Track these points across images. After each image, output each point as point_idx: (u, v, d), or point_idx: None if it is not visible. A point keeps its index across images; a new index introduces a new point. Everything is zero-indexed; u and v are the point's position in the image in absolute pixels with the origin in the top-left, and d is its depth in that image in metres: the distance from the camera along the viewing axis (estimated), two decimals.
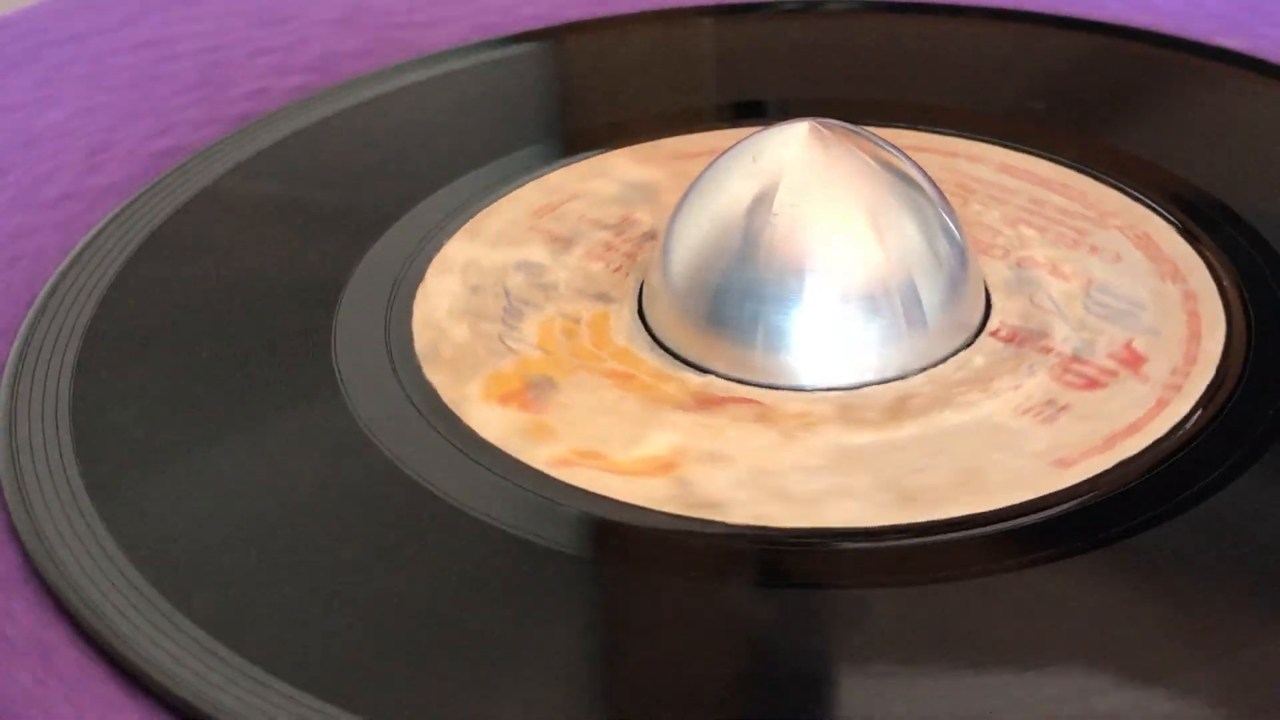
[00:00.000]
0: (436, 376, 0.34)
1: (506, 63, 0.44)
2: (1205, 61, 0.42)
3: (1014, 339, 0.34)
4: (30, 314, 0.36)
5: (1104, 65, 0.43)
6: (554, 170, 0.39)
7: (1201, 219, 0.37)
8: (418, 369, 0.34)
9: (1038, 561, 0.30)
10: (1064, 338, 0.34)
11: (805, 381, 0.34)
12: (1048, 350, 0.34)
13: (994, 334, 0.35)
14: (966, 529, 0.31)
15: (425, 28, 0.45)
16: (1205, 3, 0.45)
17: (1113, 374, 0.34)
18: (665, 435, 0.32)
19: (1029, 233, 0.37)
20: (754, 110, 0.42)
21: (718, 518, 0.31)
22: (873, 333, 0.34)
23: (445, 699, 0.28)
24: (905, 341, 0.34)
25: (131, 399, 0.34)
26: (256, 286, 0.36)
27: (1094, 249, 0.36)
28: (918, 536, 0.31)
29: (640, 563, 0.31)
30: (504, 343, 0.34)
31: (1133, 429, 0.32)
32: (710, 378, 0.34)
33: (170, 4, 0.46)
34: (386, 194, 0.39)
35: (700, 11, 0.45)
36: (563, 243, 0.37)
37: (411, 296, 0.36)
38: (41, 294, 0.36)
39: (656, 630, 0.30)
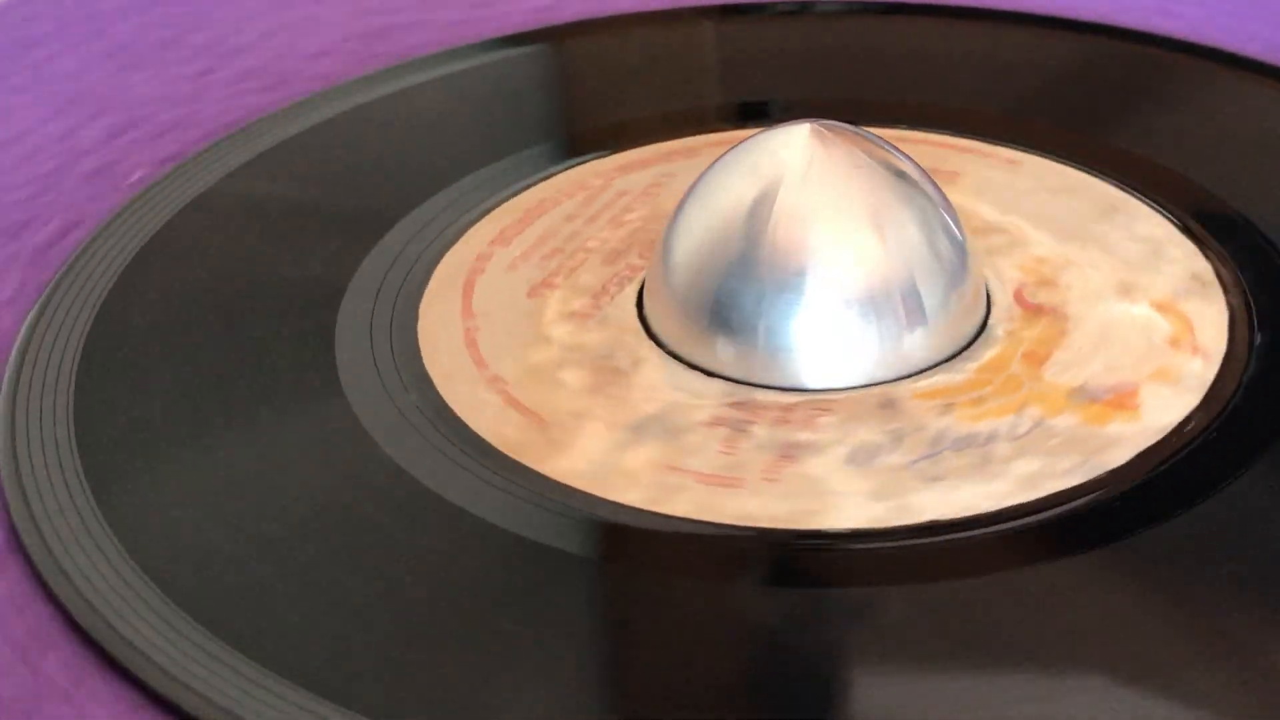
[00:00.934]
0: (439, 377, 0.34)
1: (507, 63, 0.44)
2: (1205, 62, 0.43)
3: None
4: (32, 314, 0.36)
5: (1104, 65, 0.43)
6: (554, 173, 0.39)
7: (1203, 219, 0.37)
8: (421, 369, 0.34)
9: (1039, 561, 0.30)
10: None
11: (807, 382, 0.34)
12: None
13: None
14: (967, 529, 0.31)
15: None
16: (1207, 4, 0.45)
17: None
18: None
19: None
20: (755, 111, 0.42)
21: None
22: (872, 333, 0.34)
23: (448, 699, 0.28)
24: (908, 341, 0.34)
25: (133, 399, 0.34)
26: (258, 287, 0.36)
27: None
28: (920, 537, 0.31)
29: (645, 564, 0.31)
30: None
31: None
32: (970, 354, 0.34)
33: None
34: (388, 195, 0.39)
35: (702, 12, 0.45)
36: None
37: (413, 297, 0.36)
38: (43, 294, 0.36)
39: (661, 632, 0.30)
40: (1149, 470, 0.32)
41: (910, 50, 0.44)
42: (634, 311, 0.35)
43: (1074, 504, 0.31)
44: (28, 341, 0.35)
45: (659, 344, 0.35)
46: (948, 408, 0.33)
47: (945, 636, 0.29)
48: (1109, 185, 0.38)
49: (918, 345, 0.34)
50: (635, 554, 0.31)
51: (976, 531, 0.31)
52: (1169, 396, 0.33)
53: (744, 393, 0.33)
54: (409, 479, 0.32)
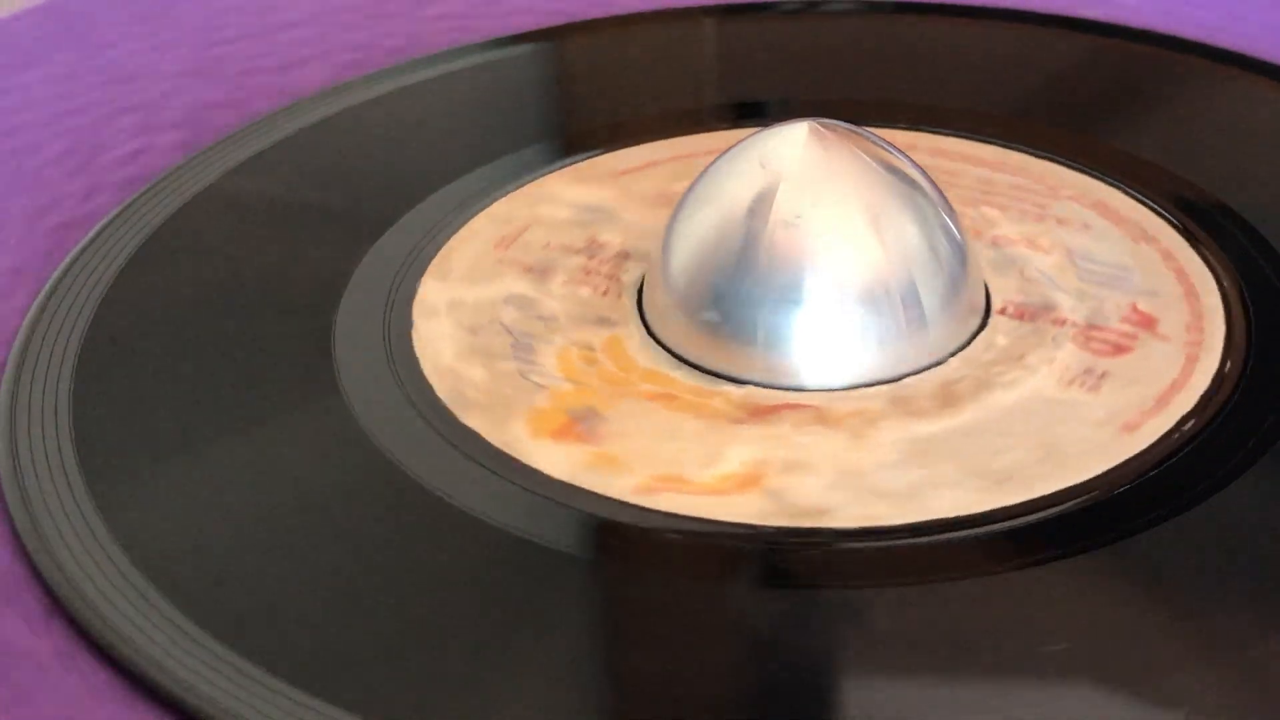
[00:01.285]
0: (436, 377, 0.34)
1: (506, 63, 0.44)
2: (1205, 61, 0.43)
3: (1022, 315, 0.35)
4: (30, 314, 0.36)
5: (1104, 65, 0.43)
6: (553, 171, 0.39)
7: (1201, 219, 0.37)
8: (417, 369, 0.34)
9: (1038, 562, 0.30)
10: (1070, 308, 0.35)
11: (806, 381, 0.34)
12: (1061, 322, 0.34)
13: (1001, 312, 0.35)
14: (966, 528, 0.31)
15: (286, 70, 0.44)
16: (1205, 3, 0.45)
17: (1133, 336, 0.34)
18: (739, 449, 0.32)
19: (1026, 228, 0.37)
20: (754, 111, 0.42)
21: (823, 524, 0.31)
22: (871, 332, 0.34)
23: (447, 700, 0.28)
24: (906, 341, 0.34)
25: (131, 399, 0.34)
26: (257, 287, 0.36)
27: (1068, 223, 0.37)
28: (918, 536, 0.31)
29: (642, 564, 0.31)
30: (526, 378, 0.34)
31: (1176, 386, 0.33)
32: (750, 388, 0.34)
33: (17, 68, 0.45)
34: (386, 194, 0.39)
35: (701, 11, 0.45)
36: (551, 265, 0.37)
37: (411, 297, 0.36)
38: (42, 294, 0.36)
39: (658, 632, 0.30)
40: (1148, 470, 0.32)
41: (910, 50, 0.44)
42: (635, 311, 0.35)
43: (1073, 504, 0.31)
44: (28, 341, 0.35)
45: (659, 342, 0.35)
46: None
47: (942, 637, 0.29)
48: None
49: (917, 344, 0.34)
50: (634, 554, 0.31)
51: (975, 532, 0.31)
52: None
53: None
54: (408, 479, 0.32)
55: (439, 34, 0.45)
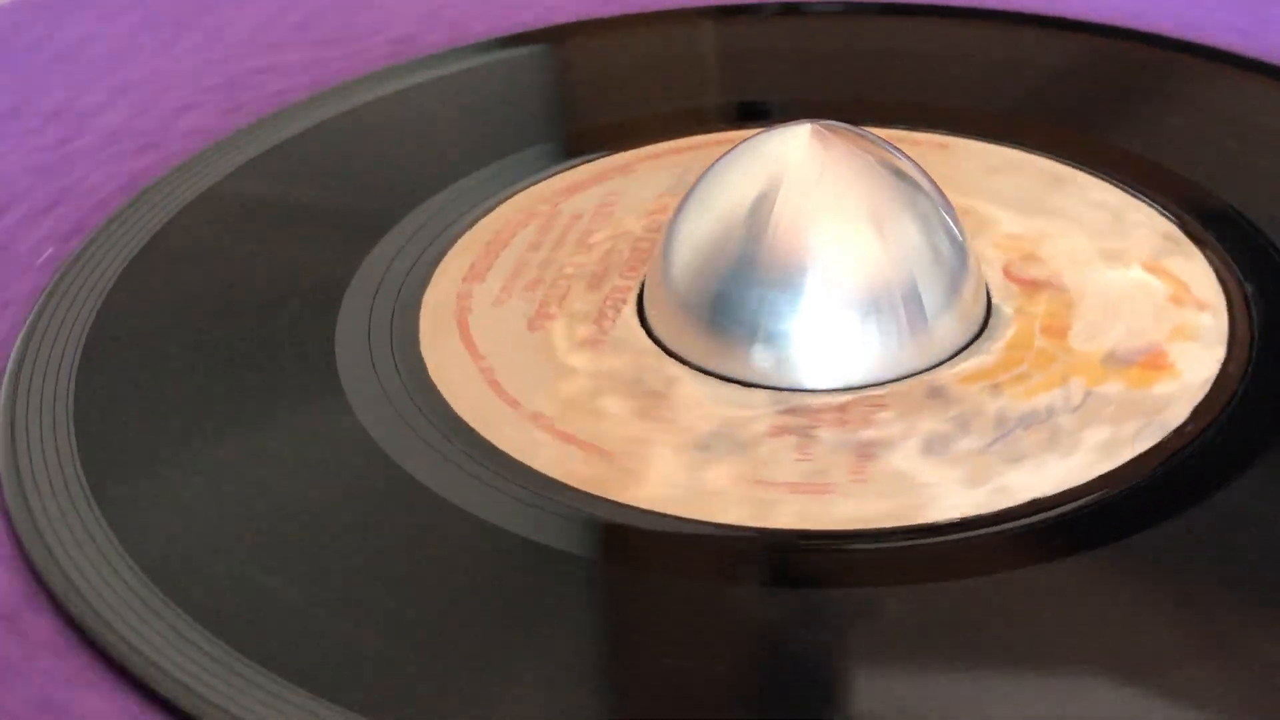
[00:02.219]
0: (439, 377, 0.34)
1: (507, 63, 0.44)
2: (1205, 61, 0.43)
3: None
4: (32, 315, 0.36)
5: (1104, 65, 0.43)
6: (553, 173, 0.39)
7: (1202, 218, 0.37)
8: (419, 369, 0.34)
9: (1038, 561, 0.30)
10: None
11: (806, 383, 0.34)
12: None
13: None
14: (968, 529, 0.31)
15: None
16: (1205, 3, 0.45)
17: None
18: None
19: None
20: (756, 112, 0.42)
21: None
22: (873, 333, 0.34)
23: (447, 700, 0.28)
24: (907, 341, 0.34)
25: (133, 400, 0.34)
26: (258, 288, 0.36)
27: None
28: (921, 537, 0.31)
29: (645, 564, 0.31)
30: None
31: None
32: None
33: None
34: (387, 195, 0.39)
35: (702, 12, 0.45)
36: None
37: (414, 297, 0.36)
38: (43, 295, 0.36)
39: (662, 632, 0.30)
40: (1148, 470, 0.32)
41: (910, 50, 0.44)
42: (635, 312, 0.35)
43: (1074, 505, 0.31)
44: (28, 341, 0.35)
45: (659, 343, 0.35)
46: (995, 388, 0.33)
47: (945, 636, 0.29)
48: (1049, 160, 0.39)
49: (919, 344, 0.34)
50: (636, 554, 0.31)
51: (976, 532, 0.31)
52: (1197, 351, 0.34)
53: (791, 399, 0.33)
54: (409, 479, 0.32)
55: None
